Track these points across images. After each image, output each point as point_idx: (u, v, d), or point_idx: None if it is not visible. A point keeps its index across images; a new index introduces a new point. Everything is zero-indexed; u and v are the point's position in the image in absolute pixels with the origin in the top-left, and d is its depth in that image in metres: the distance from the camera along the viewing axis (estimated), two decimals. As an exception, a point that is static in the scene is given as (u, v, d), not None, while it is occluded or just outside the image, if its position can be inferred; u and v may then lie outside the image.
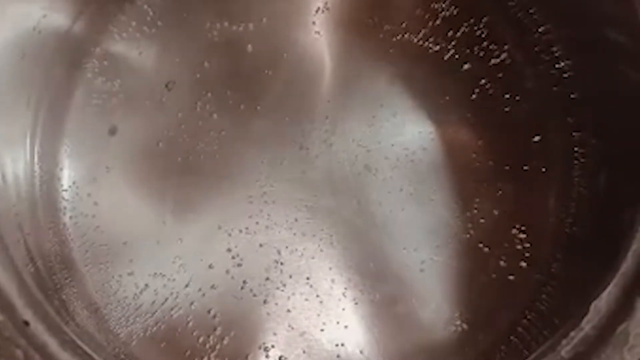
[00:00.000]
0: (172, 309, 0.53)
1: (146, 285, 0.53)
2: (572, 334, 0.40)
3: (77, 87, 0.56)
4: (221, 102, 0.57)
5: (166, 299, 0.53)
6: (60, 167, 0.55)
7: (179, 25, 0.58)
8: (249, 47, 0.58)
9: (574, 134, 0.53)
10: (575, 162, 0.53)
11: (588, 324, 0.39)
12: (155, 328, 0.53)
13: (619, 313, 0.39)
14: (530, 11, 0.55)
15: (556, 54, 0.54)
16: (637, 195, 0.43)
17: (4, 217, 0.45)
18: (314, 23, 0.58)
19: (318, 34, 0.58)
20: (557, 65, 0.54)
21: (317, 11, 0.58)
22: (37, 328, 0.39)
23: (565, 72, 0.54)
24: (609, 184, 0.49)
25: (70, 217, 0.54)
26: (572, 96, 0.53)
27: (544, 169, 0.54)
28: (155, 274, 0.54)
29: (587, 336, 0.39)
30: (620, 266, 0.40)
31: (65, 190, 0.55)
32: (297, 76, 0.57)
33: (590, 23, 0.51)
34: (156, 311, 0.53)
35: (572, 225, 0.52)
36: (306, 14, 0.58)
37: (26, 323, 0.39)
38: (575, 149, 0.53)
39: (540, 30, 0.55)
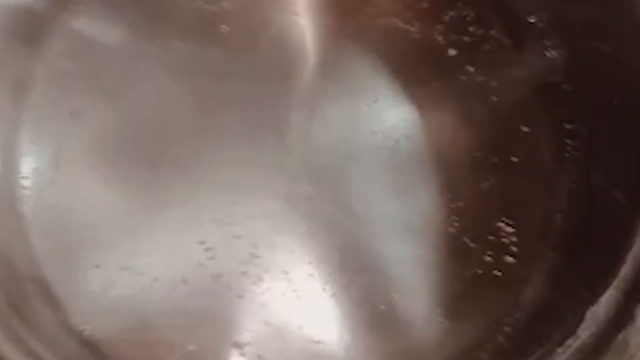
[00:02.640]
0: (141, 304, 0.49)
1: (113, 279, 0.49)
2: (568, 341, 0.36)
3: (38, 67, 0.51)
4: (193, 86, 0.52)
5: (135, 294, 0.49)
6: (20, 153, 0.50)
7: (148, 2, 0.53)
8: (223, 28, 0.53)
9: (564, 125, 0.50)
10: (566, 154, 0.50)
11: (585, 332, 0.36)
12: (123, 324, 0.48)
13: (618, 321, 0.36)
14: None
15: (547, 42, 0.51)
16: (635, 194, 0.39)
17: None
18: (293, 3, 0.54)
19: (297, 15, 0.54)
20: (547, 54, 0.51)
21: (297, -9, 0.54)
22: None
23: (556, 61, 0.50)
24: (604, 181, 0.45)
25: (31, 207, 0.49)
26: (563, 86, 0.50)
27: (532, 161, 0.51)
28: (124, 267, 0.49)
29: (585, 345, 0.36)
30: (618, 270, 0.37)
31: (25, 178, 0.50)
32: (274, 60, 0.53)
33: (581, 11, 0.48)
34: (124, 306, 0.49)
35: (563, 221, 0.48)
36: (286, -7, 0.54)
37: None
38: (566, 141, 0.50)
39: (530, 17, 0.51)
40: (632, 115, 0.43)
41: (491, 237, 0.50)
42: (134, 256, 0.50)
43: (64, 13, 0.52)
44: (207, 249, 0.50)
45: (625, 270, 0.37)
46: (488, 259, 0.50)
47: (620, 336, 0.36)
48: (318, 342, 0.49)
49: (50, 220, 0.50)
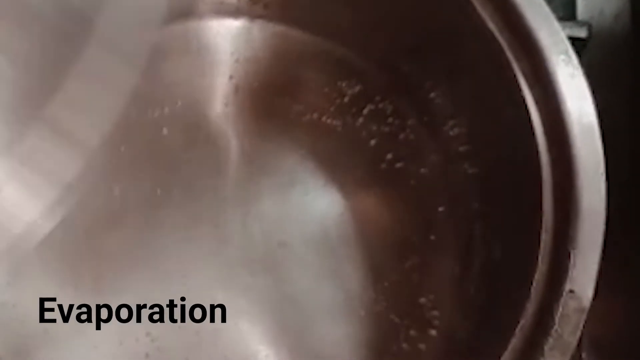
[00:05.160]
0: (93, 398, 0.50)
1: (66, 374, 0.51)
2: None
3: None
4: (137, 187, 0.55)
5: (87, 387, 0.50)
6: (-23, 259, 0.52)
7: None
8: (165, 130, 0.56)
9: (472, 205, 0.52)
10: (476, 231, 0.52)
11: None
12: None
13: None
14: (431, 95, 0.54)
15: (457, 132, 0.53)
16: (525, 267, 0.42)
17: None
18: (226, 105, 0.57)
19: (228, 116, 0.57)
20: (458, 144, 0.53)
21: (229, 93, 0.57)
22: None
23: (465, 149, 0.53)
24: (501, 256, 0.48)
25: (-10, 309, 0.52)
26: (469, 170, 0.52)
27: (448, 239, 0.53)
28: (75, 362, 0.51)
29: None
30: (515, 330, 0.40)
31: (-17, 282, 0.52)
32: (210, 157, 0.56)
33: (488, 109, 0.51)
34: (78, 401, 0.50)
35: (475, 292, 0.50)
36: (219, 95, 0.57)
37: None
38: (474, 220, 0.52)
39: (441, 111, 0.54)
40: (521, 196, 0.46)
41: (415, 313, 0.52)
42: (86, 350, 0.51)
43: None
44: (153, 340, 0.52)
45: (523, 328, 0.40)
46: (413, 333, 0.52)
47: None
48: (259, 423, 0.51)
49: (9, 321, 0.52)
